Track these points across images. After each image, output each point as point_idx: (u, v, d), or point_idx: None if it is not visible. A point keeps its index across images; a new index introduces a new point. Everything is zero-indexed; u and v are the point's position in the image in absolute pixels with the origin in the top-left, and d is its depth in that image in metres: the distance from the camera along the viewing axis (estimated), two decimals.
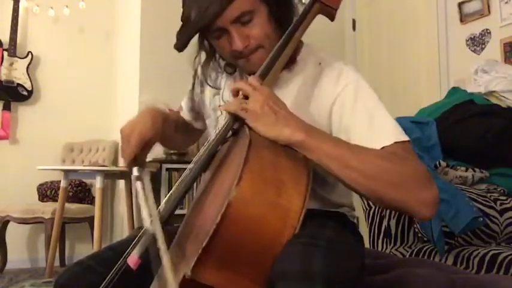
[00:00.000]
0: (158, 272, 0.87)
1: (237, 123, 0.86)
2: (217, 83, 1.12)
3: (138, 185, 0.87)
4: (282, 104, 0.85)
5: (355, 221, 1.09)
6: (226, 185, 0.74)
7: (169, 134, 1.08)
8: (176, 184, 0.90)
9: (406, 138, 0.88)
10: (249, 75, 1.03)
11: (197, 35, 0.98)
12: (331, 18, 0.96)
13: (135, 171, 0.90)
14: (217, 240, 0.68)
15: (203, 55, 1.07)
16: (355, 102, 0.91)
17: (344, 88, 0.93)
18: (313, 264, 0.67)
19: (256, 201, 0.70)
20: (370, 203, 1.93)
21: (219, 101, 1.10)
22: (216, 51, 1.04)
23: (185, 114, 1.24)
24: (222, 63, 1.08)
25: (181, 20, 0.96)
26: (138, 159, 0.92)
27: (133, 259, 0.77)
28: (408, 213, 0.86)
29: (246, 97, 0.85)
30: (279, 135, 0.81)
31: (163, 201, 0.91)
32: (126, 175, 3.38)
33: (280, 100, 0.85)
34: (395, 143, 0.86)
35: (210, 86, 1.11)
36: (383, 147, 0.85)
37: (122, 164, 3.63)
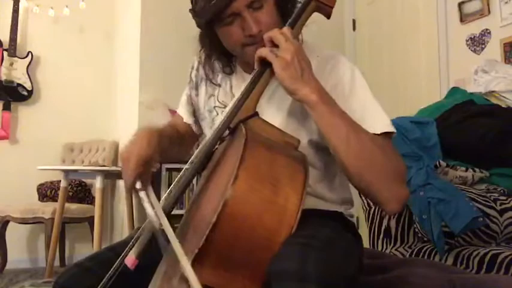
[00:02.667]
0: (158, 267, 0.87)
1: (265, 69, 0.88)
2: (212, 84, 1.12)
3: (142, 195, 0.87)
4: (307, 61, 0.87)
5: (354, 220, 1.09)
6: (222, 184, 0.73)
7: (164, 152, 1.08)
8: (175, 181, 0.90)
9: (393, 129, 0.92)
10: (247, 70, 1.04)
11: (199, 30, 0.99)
12: (327, 16, 0.97)
13: (138, 185, 0.89)
14: (214, 239, 0.68)
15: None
16: (350, 91, 0.95)
17: (342, 77, 0.97)
18: (308, 265, 0.67)
19: (252, 200, 0.69)
20: (370, 203, 1.93)
21: (214, 102, 1.10)
22: (214, 52, 1.05)
23: (188, 120, 1.22)
24: (220, 64, 1.08)
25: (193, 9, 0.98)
26: (141, 180, 0.91)
27: (130, 259, 0.77)
28: (377, 202, 0.89)
29: (276, 46, 0.86)
30: (297, 90, 0.85)
31: (162, 198, 0.91)
32: None
33: (306, 57, 0.87)
34: (383, 133, 0.90)
35: (211, 82, 1.11)
36: (374, 134, 0.89)
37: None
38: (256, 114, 0.87)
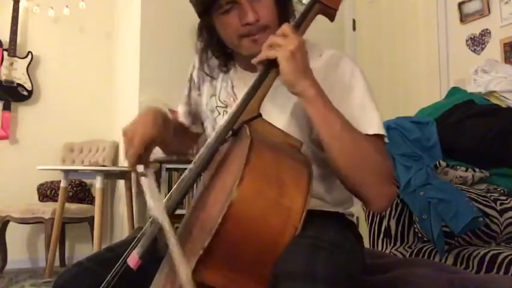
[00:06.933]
0: (161, 267, 0.87)
1: (271, 69, 0.87)
2: (213, 84, 1.12)
3: (143, 181, 0.87)
4: (307, 56, 0.88)
5: (355, 220, 1.09)
6: (227, 186, 0.73)
7: (168, 137, 1.08)
8: (176, 184, 0.90)
9: (385, 133, 0.94)
10: (247, 69, 1.04)
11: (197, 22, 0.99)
12: (331, 18, 0.97)
13: (139, 169, 0.90)
14: (219, 240, 0.68)
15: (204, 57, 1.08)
16: (349, 89, 0.96)
17: (342, 75, 0.97)
18: (317, 266, 0.67)
19: (257, 201, 0.70)
20: None
21: (215, 101, 1.10)
22: (210, 45, 1.04)
23: (183, 119, 1.23)
24: (216, 62, 1.08)
25: None
26: (142, 160, 0.92)
27: (133, 259, 0.77)
28: (365, 199, 0.91)
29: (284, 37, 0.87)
30: (297, 83, 0.85)
31: (164, 199, 0.91)
32: (126, 175, 3.38)
33: (306, 52, 0.88)
34: (376, 135, 0.92)
35: (207, 75, 1.11)
36: (366, 135, 0.90)
37: (122, 164, 3.63)
38: (259, 115, 0.87)
